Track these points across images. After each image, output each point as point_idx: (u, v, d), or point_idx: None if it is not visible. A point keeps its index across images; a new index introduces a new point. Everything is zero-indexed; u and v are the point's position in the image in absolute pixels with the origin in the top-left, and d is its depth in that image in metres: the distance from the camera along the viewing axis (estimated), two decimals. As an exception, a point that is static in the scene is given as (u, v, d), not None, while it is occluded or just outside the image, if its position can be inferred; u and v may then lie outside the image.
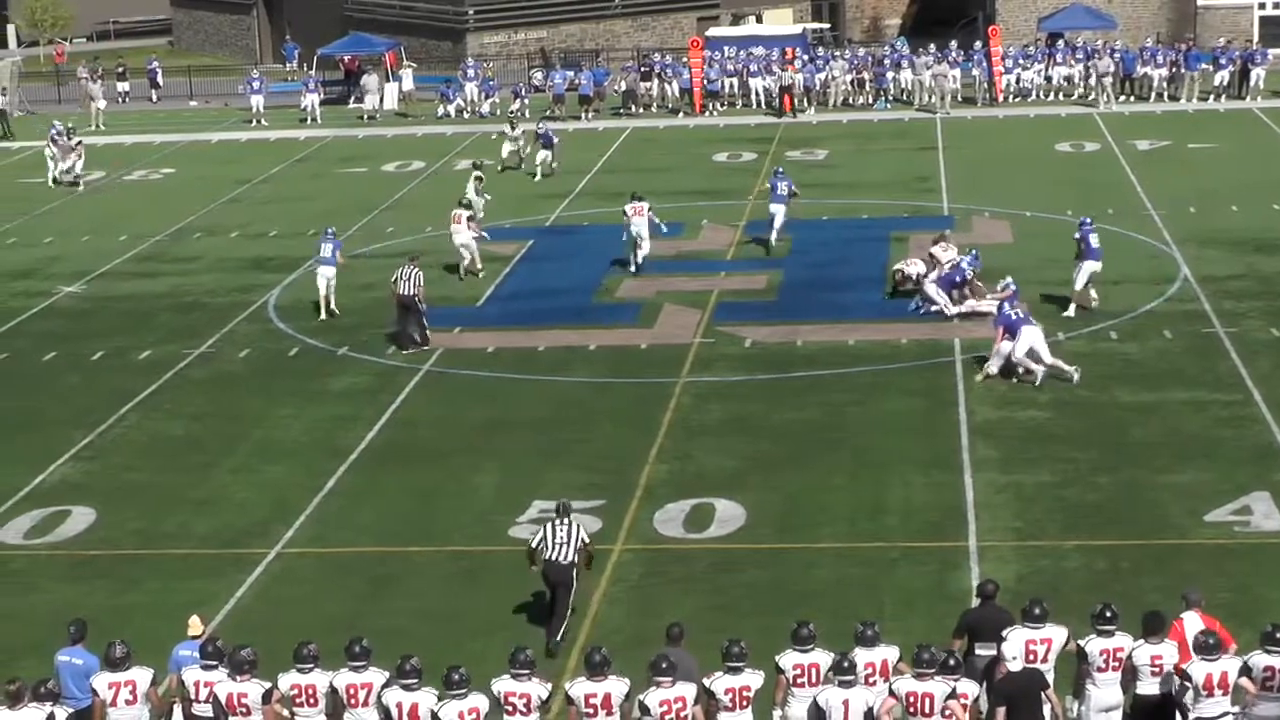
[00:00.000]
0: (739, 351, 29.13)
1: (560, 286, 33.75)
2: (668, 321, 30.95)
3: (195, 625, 16.42)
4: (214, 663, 15.22)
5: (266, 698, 14.84)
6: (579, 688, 14.69)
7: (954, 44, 57.24)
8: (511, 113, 51.92)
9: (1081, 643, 15.25)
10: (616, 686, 14.63)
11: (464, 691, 14.43)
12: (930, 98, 53.92)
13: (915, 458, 23.80)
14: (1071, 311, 29.92)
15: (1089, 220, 30.88)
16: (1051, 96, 55.22)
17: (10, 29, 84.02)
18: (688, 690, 14.57)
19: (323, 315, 31.82)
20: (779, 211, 35.70)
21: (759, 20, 71.55)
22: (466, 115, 56.38)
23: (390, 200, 42.97)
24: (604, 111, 55.70)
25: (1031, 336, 26.38)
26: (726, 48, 59.40)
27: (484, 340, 30.26)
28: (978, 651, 15.85)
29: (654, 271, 34.37)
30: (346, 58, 63.14)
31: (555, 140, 45.15)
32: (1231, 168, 42.96)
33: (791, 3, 72.77)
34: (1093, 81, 53.73)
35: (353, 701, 14.94)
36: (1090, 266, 29.94)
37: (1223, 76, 53.60)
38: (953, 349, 28.45)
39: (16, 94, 61.94)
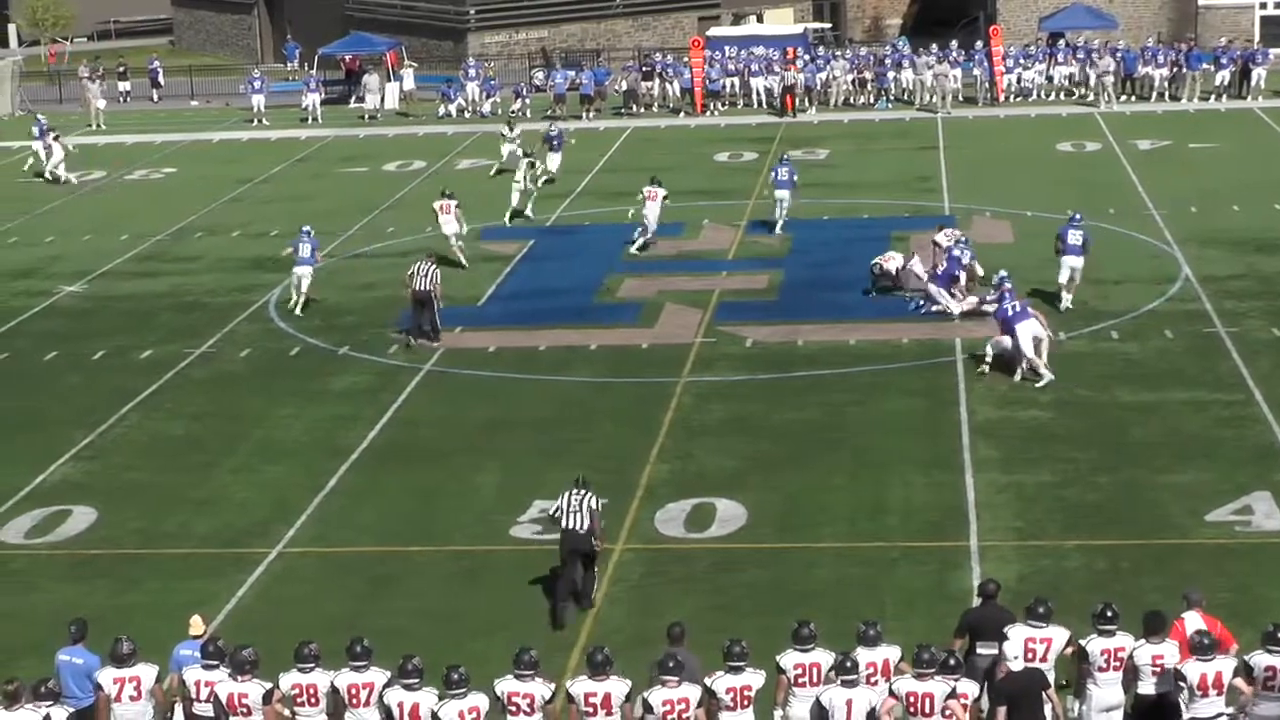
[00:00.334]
0: (740, 351, 29.12)
1: (561, 286, 33.75)
2: (669, 321, 30.95)
3: (196, 625, 16.42)
4: (215, 662, 15.23)
5: (267, 698, 14.84)
6: (579, 686, 14.70)
7: (955, 44, 57.24)
8: (512, 113, 51.86)
9: (1083, 642, 15.25)
10: (617, 687, 14.64)
11: (464, 691, 14.43)
12: (931, 97, 53.92)
13: (916, 457, 23.80)
14: (1068, 303, 30.05)
15: (1077, 216, 30.97)
16: (1052, 96, 55.23)
17: (11, 28, 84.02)
18: (692, 692, 14.57)
19: (297, 311, 32.09)
20: (784, 197, 36.79)
21: (760, 20, 71.55)
22: (467, 115, 56.37)
23: (391, 200, 42.98)
24: (605, 111, 55.70)
25: (1030, 330, 26.41)
26: (727, 47, 59.41)
27: (485, 340, 30.26)
28: (979, 651, 15.86)
29: (655, 271, 34.39)
30: (347, 57, 63.16)
31: (561, 143, 44.15)
32: (1232, 167, 42.96)
33: (792, 2, 72.76)
34: (1093, 81, 53.75)
35: (354, 701, 14.94)
36: (1070, 262, 30.08)
37: (1223, 76, 53.60)
38: (953, 349, 28.45)
39: (18, 94, 61.99)
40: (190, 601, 19.29)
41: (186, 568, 21.24)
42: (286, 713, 15.03)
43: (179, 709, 15.44)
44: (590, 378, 28.04)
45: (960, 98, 54.62)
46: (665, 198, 35.66)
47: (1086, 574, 19.88)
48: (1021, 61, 55.89)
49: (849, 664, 14.66)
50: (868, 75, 55.94)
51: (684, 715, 14.47)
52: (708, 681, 14.81)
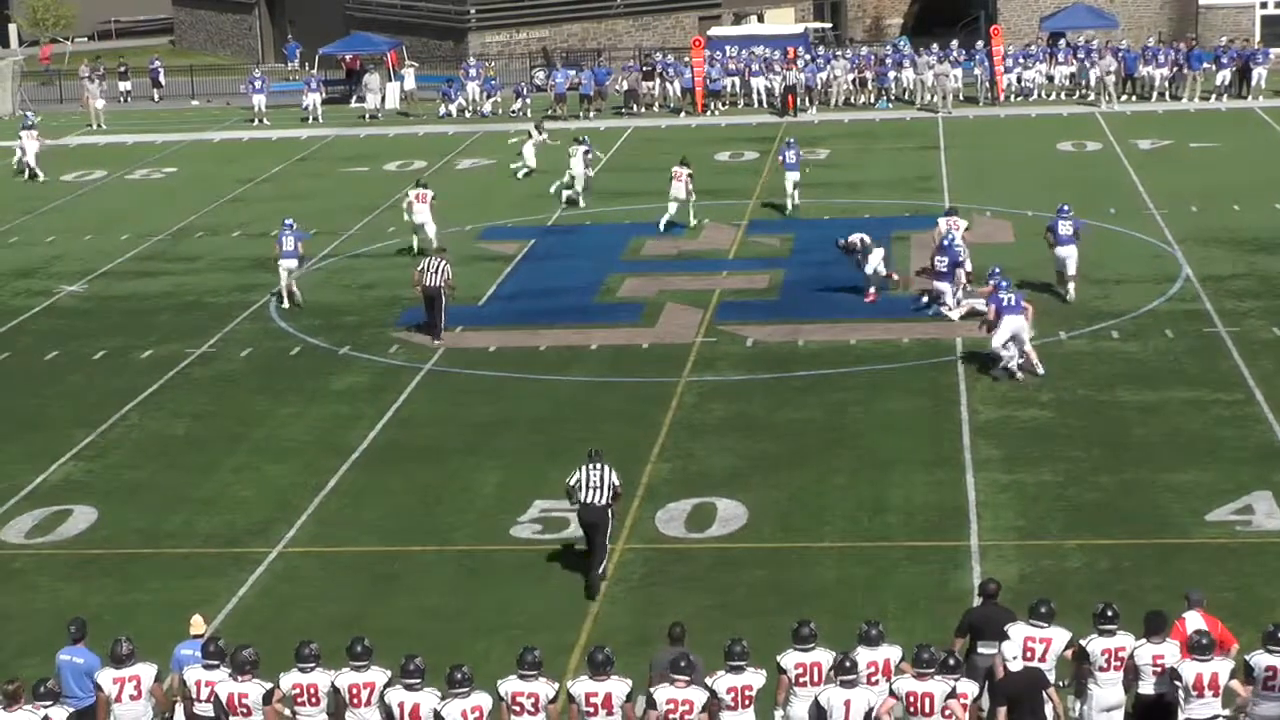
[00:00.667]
0: (741, 351, 29.12)
1: (562, 286, 33.75)
2: (669, 321, 30.95)
3: (197, 624, 16.41)
4: (215, 662, 15.22)
5: (268, 698, 14.83)
6: (580, 686, 14.70)
7: (955, 43, 57.24)
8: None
9: (1083, 642, 15.24)
10: (618, 687, 14.63)
11: (466, 690, 14.43)
12: (932, 97, 53.91)
13: (917, 457, 23.79)
14: (1072, 293, 30.11)
15: (1065, 207, 31.02)
16: (1053, 96, 55.22)
17: (12, 28, 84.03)
18: (698, 695, 14.56)
19: (285, 305, 32.28)
20: (792, 178, 38.55)
21: (760, 20, 71.56)
22: (468, 115, 56.38)
23: (392, 200, 42.92)
24: (606, 111, 55.70)
25: (1012, 325, 26.41)
26: (728, 47, 59.42)
27: (486, 339, 30.26)
28: (980, 650, 15.85)
29: (656, 271, 34.39)
30: (348, 57, 63.15)
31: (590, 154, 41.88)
32: (1233, 167, 42.94)
33: (793, 2, 72.76)
34: (1094, 81, 53.74)
35: (355, 701, 14.93)
36: (1063, 253, 30.19)
37: (1224, 76, 53.59)
38: (954, 348, 28.45)
39: (19, 94, 61.99)
40: (191, 601, 19.30)
41: (187, 567, 21.23)
42: (287, 713, 15.02)
43: (179, 709, 15.45)
44: (591, 377, 28.04)
45: (961, 97, 54.62)
46: (690, 175, 37.34)
47: (1088, 573, 19.87)
48: (1022, 61, 55.88)
49: (848, 664, 14.65)
50: (868, 75, 55.93)
51: (686, 717, 14.47)
52: (709, 681, 14.80)
